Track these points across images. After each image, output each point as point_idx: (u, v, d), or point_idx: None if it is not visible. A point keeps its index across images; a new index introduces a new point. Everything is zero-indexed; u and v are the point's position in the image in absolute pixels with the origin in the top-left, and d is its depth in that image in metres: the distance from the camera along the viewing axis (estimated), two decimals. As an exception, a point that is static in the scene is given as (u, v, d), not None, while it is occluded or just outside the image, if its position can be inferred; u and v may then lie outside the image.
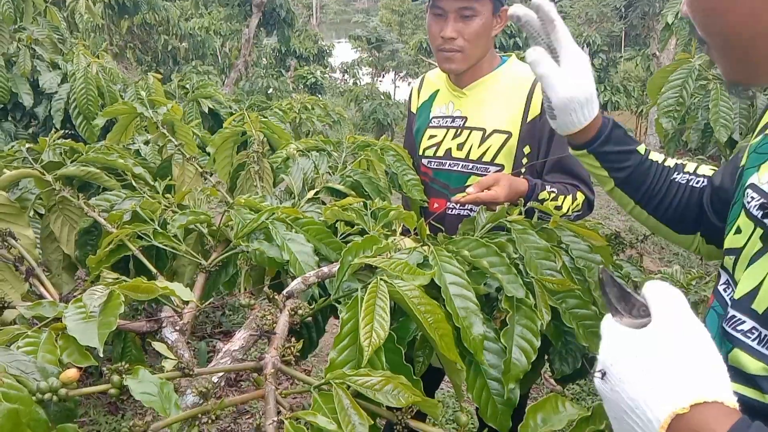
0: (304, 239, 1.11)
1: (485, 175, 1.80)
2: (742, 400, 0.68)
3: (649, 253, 5.12)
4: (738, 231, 0.84)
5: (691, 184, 1.11)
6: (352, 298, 0.86)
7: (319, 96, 12.26)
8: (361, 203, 1.31)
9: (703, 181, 1.10)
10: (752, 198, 0.81)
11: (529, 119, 1.82)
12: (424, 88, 2.02)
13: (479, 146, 1.86)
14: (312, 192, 1.50)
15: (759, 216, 0.79)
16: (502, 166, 1.85)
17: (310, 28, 19.91)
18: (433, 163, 1.92)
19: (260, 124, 1.84)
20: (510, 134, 1.84)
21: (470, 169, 1.87)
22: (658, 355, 0.61)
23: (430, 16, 1.82)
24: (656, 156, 1.13)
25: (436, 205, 1.90)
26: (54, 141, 1.56)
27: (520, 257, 1.16)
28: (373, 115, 10.72)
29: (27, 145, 1.55)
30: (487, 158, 1.85)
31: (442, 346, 0.84)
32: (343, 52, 19.96)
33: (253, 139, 1.74)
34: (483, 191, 1.62)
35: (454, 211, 1.87)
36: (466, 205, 1.83)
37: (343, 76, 17.78)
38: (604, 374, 0.64)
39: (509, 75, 1.89)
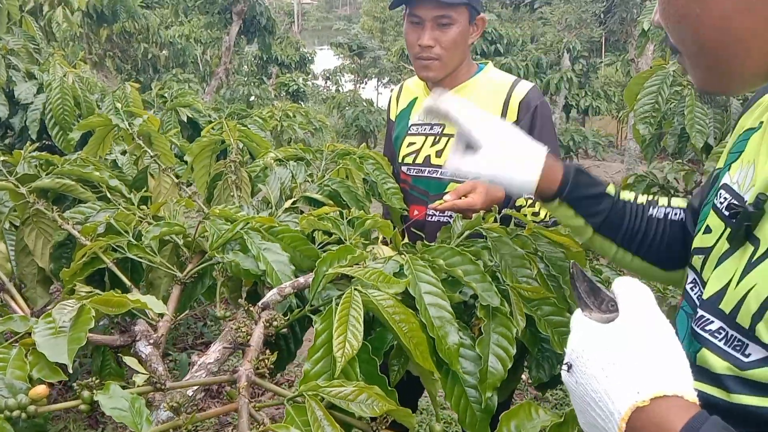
0: (280, 248, 1.10)
1: (464, 181, 1.77)
2: (708, 399, 0.72)
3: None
4: (708, 230, 0.84)
5: (669, 217, 1.09)
6: (327, 309, 0.86)
7: (302, 103, 12.24)
8: (338, 212, 1.30)
9: (680, 213, 1.08)
10: (725, 198, 0.81)
11: None
12: (403, 95, 2.03)
13: None
14: (289, 201, 1.50)
15: (727, 215, 0.79)
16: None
17: (292, 35, 19.90)
18: (412, 171, 1.93)
19: (239, 132, 1.83)
20: None
21: (448, 176, 1.86)
22: (622, 350, 0.63)
23: (407, 24, 1.83)
24: (627, 195, 1.11)
25: (416, 212, 1.91)
26: (29, 153, 1.54)
27: (496, 265, 1.17)
28: (355, 122, 10.72)
29: (1, 158, 1.53)
30: None
31: (417, 356, 0.84)
32: (325, 59, 19.97)
33: (231, 148, 1.73)
34: (460, 198, 1.63)
35: (434, 218, 1.87)
36: (445, 212, 1.83)
37: (326, 83, 17.78)
38: (570, 367, 0.66)
39: (486, 82, 1.91)
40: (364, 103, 11.37)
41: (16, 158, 1.53)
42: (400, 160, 1.97)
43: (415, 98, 1.99)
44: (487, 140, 1.07)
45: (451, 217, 1.83)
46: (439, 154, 1.88)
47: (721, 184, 0.84)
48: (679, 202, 1.10)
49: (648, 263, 1.10)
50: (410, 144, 1.94)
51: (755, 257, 0.71)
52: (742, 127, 0.87)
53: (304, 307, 0.97)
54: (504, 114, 1.84)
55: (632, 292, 0.68)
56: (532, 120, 1.83)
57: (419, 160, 1.92)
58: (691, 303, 0.84)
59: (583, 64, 11.17)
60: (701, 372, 0.75)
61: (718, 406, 0.72)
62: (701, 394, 0.66)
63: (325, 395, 0.73)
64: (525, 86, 1.87)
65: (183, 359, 3.28)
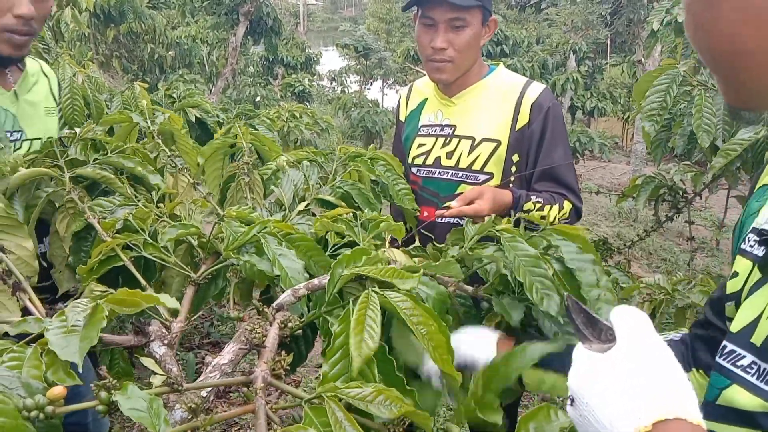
0: (295, 255, 1.10)
1: (475, 183, 1.85)
2: None
3: (637, 259, 5.15)
4: (735, 275, 0.83)
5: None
6: (345, 311, 0.85)
7: (307, 104, 12.25)
8: (351, 214, 1.30)
9: (675, 336, 1.04)
10: (755, 241, 0.80)
11: (518, 128, 1.82)
12: (413, 96, 2.04)
13: (469, 155, 1.86)
14: (303, 204, 1.50)
15: (753, 252, 0.78)
16: (492, 175, 1.85)
17: (298, 36, 19.92)
18: (422, 172, 1.93)
19: (251, 135, 1.84)
20: (499, 142, 1.84)
21: (460, 177, 1.87)
22: (622, 377, 0.62)
23: (419, 26, 1.82)
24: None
25: (425, 214, 1.89)
26: (84, 134, 1.56)
27: (509, 264, 1.17)
28: (361, 122, 10.72)
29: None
30: (476, 166, 1.85)
31: (435, 358, 0.84)
32: (330, 60, 19.98)
33: (243, 151, 1.73)
34: (467, 204, 1.65)
35: (444, 219, 1.85)
36: (450, 218, 1.83)
37: (331, 84, 17.80)
38: (572, 401, 0.66)
39: (497, 83, 1.90)
40: (370, 104, 11.37)
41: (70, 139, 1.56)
42: (410, 161, 1.96)
43: (425, 99, 1.98)
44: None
45: (461, 218, 1.79)
46: (449, 155, 1.88)
47: (749, 229, 0.83)
48: (673, 335, 1.05)
49: None
50: (420, 145, 1.94)
51: None
52: (762, 184, 0.88)
53: (317, 309, 0.96)
54: (516, 116, 1.83)
55: (628, 320, 0.67)
56: (544, 122, 1.82)
57: (429, 162, 1.92)
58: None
59: (589, 65, 11.16)
60: (728, 412, 0.73)
61: None
62: None
63: (344, 396, 0.72)
64: (537, 88, 1.86)
65: (190, 359, 3.28)
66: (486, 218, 1.34)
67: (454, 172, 1.89)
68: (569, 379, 0.68)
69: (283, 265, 1.07)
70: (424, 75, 2.00)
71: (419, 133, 1.96)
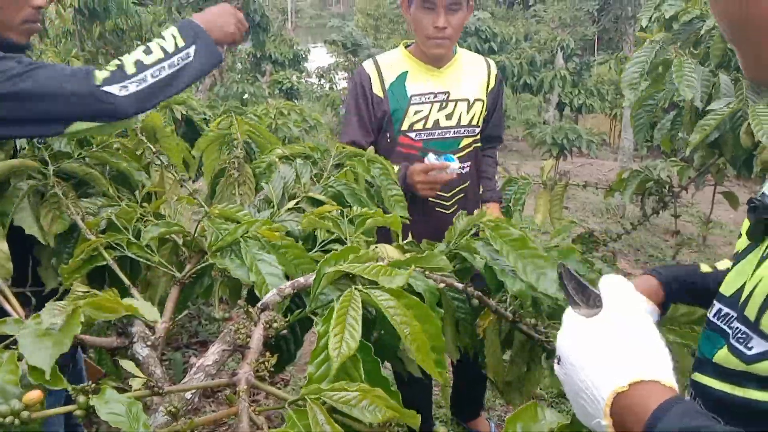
0: (276, 261, 1.09)
1: (473, 135, 2.28)
2: (724, 398, 0.74)
3: (624, 255, 5.17)
4: (740, 236, 0.86)
5: None
6: (328, 310, 0.84)
7: (296, 101, 12.19)
8: (339, 211, 1.29)
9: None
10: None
11: (489, 90, 2.31)
12: (385, 72, 2.21)
13: (468, 113, 2.24)
14: (293, 202, 1.48)
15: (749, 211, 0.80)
16: (480, 126, 2.30)
17: (286, 32, 19.85)
18: (423, 135, 2.21)
19: (248, 127, 1.82)
20: (483, 101, 2.29)
21: (462, 133, 2.25)
22: (604, 341, 0.69)
23: (419, 10, 2.09)
24: (724, 263, 1.06)
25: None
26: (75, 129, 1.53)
27: (494, 257, 1.16)
28: (349, 119, 10.69)
29: None
30: (473, 122, 2.26)
31: (418, 358, 0.83)
32: (319, 57, 19.88)
33: (236, 143, 1.71)
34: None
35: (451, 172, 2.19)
36: (463, 167, 2.20)
37: (320, 80, 17.72)
38: (559, 359, 0.72)
39: (467, 57, 2.34)
40: (359, 101, 11.33)
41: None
42: (405, 128, 2.19)
43: (405, 72, 2.21)
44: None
45: (463, 169, 2.21)
46: (449, 117, 2.21)
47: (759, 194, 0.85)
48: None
49: None
50: (417, 112, 2.19)
51: (767, 251, 0.72)
52: None
53: (304, 308, 0.95)
54: (488, 80, 2.31)
55: (615, 288, 0.74)
56: (500, 88, 2.39)
57: (429, 125, 2.20)
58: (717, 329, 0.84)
59: (577, 62, 11.19)
60: (717, 370, 0.76)
61: (735, 402, 0.73)
62: (718, 393, 0.73)
63: (328, 399, 0.71)
64: (492, 61, 2.40)
65: (177, 358, 3.25)
66: (475, 211, 1.34)
67: (456, 130, 2.24)
68: (558, 340, 0.73)
69: (262, 271, 1.06)
70: (376, 54, 2.37)
71: (412, 101, 2.18)
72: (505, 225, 1.16)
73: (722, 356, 0.77)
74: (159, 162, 1.58)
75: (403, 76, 2.20)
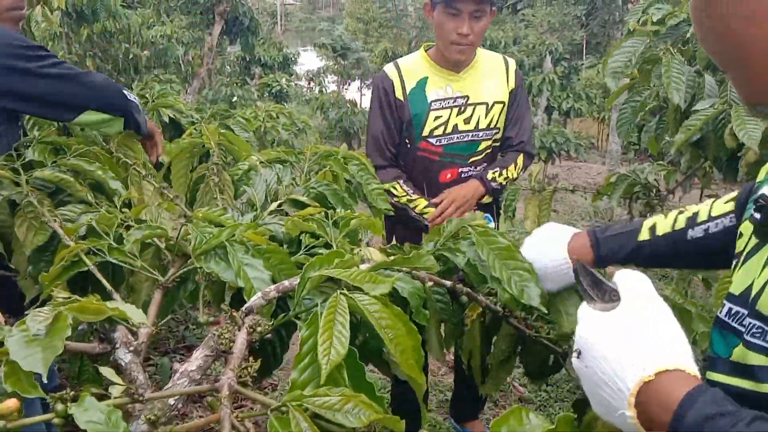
0: (262, 265, 1.08)
1: (490, 138, 2.31)
2: (739, 392, 0.76)
3: (613, 258, 5.18)
4: (740, 236, 0.89)
5: (710, 230, 1.08)
6: (312, 314, 0.83)
7: (285, 104, 12.16)
8: (323, 213, 1.28)
9: (721, 222, 1.07)
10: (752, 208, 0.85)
11: (509, 90, 2.32)
12: (406, 77, 2.25)
13: (486, 117, 2.27)
14: (275, 204, 1.47)
15: (754, 212, 0.82)
16: (499, 129, 2.33)
17: (275, 36, 19.81)
18: (443, 140, 2.25)
19: (219, 135, 1.81)
20: (504, 103, 2.31)
21: (480, 137, 2.28)
22: (626, 332, 0.70)
23: (443, 15, 2.12)
24: (665, 227, 1.12)
25: (449, 176, 2.29)
26: (42, 138, 1.53)
27: (483, 263, 1.17)
28: (339, 123, 10.68)
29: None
30: (492, 125, 2.29)
31: (402, 363, 0.83)
32: (308, 60, 19.88)
33: (212, 151, 1.70)
34: (446, 211, 2.16)
35: (468, 174, 2.29)
36: (478, 167, 2.30)
37: (309, 84, 17.70)
38: (579, 353, 0.73)
39: (486, 58, 2.34)
40: (348, 105, 11.33)
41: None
42: (426, 134, 2.24)
43: (425, 77, 2.25)
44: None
45: (477, 171, 2.30)
46: (467, 121, 2.25)
47: (759, 194, 0.87)
48: (721, 207, 1.08)
49: (713, 269, 1.13)
50: (437, 118, 2.23)
51: None
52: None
53: (288, 312, 0.94)
54: (507, 80, 2.31)
55: (631, 281, 0.75)
56: (521, 86, 2.37)
57: (448, 130, 2.24)
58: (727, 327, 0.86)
59: (565, 66, 11.23)
60: (736, 367, 0.78)
61: (748, 396, 0.75)
62: (733, 389, 0.75)
63: (310, 405, 0.70)
64: (512, 60, 2.40)
65: (164, 363, 3.23)
66: (467, 213, 1.34)
67: (474, 133, 2.27)
68: (576, 333, 0.74)
69: (249, 275, 1.05)
70: (396, 59, 2.35)
71: (432, 108, 2.23)
72: (494, 233, 1.16)
73: (739, 353, 0.78)
74: (138, 171, 1.57)
75: (423, 82, 2.24)
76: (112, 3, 8.66)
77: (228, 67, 13.08)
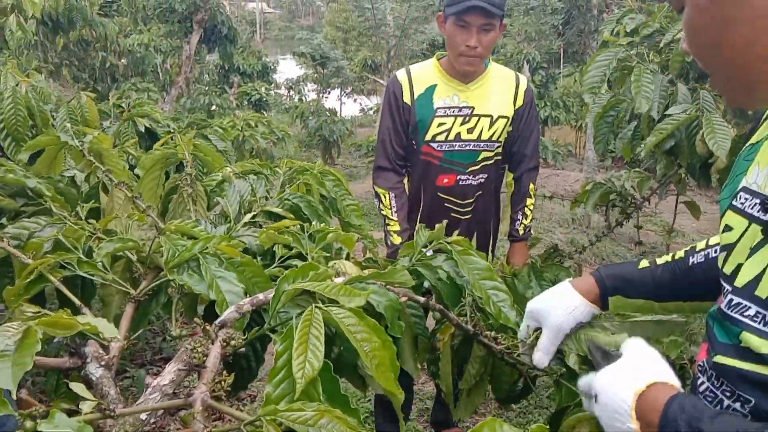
0: (236, 278, 1.07)
1: (491, 150, 2.38)
2: (753, 377, 0.85)
3: (591, 264, 5.23)
4: (728, 229, 0.92)
5: (711, 257, 1.11)
6: (287, 328, 0.83)
7: (264, 113, 12.12)
8: (298, 226, 1.27)
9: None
10: (745, 199, 0.90)
11: (516, 107, 2.37)
12: (416, 83, 2.34)
13: (489, 129, 2.33)
14: (249, 215, 1.46)
15: (760, 215, 0.86)
16: (501, 143, 2.38)
17: (254, 44, 19.75)
18: (444, 146, 2.33)
19: (192, 146, 1.80)
20: (508, 118, 2.36)
21: (481, 147, 2.35)
22: (625, 369, 0.88)
23: (453, 27, 2.19)
24: (664, 258, 1.16)
25: (446, 180, 2.37)
26: None
27: (466, 280, 1.18)
28: (318, 131, 10.66)
29: None
30: (494, 138, 2.34)
31: (378, 376, 0.82)
32: (288, 69, 19.85)
33: (186, 162, 1.69)
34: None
35: (466, 182, 2.37)
36: (476, 176, 2.37)
37: (289, 92, 17.67)
38: (596, 397, 0.89)
39: (497, 73, 2.40)
40: (327, 113, 11.32)
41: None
42: (428, 139, 2.32)
43: (434, 85, 2.33)
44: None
45: (475, 179, 2.38)
46: (470, 131, 2.32)
47: (739, 187, 0.92)
48: (718, 237, 1.09)
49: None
50: (441, 124, 2.31)
51: None
52: (750, 143, 0.96)
53: (262, 326, 0.93)
54: (515, 97, 2.36)
55: (630, 342, 0.94)
56: (531, 105, 2.41)
57: (451, 137, 2.32)
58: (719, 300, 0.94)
59: (543, 75, 11.34)
60: (746, 352, 0.85)
61: (764, 382, 0.82)
62: (747, 373, 0.85)
63: (284, 420, 0.70)
64: (524, 78, 2.42)
65: (141, 375, 3.18)
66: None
67: (475, 143, 2.33)
68: (594, 380, 0.90)
69: (222, 288, 1.04)
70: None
71: (437, 114, 2.31)
72: (472, 252, 1.18)
73: (745, 340, 0.84)
74: (109, 180, 1.55)
75: (431, 89, 2.32)
76: (88, 11, 8.57)
77: (206, 76, 13.02)
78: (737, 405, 0.87)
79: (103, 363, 0.98)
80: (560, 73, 13.04)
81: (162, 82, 11.07)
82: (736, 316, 0.87)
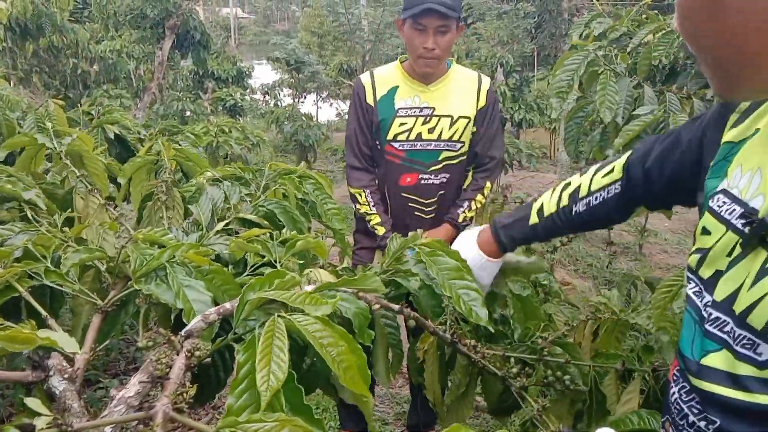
0: (204, 287, 1.06)
1: (454, 150, 2.42)
2: (727, 402, 0.81)
3: (564, 265, 5.28)
4: (706, 232, 0.90)
5: (593, 204, 1.20)
6: (249, 339, 0.82)
7: (239, 118, 12.04)
8: (268, 234, 1.27)
9: (606, 194, 1.18)
10: (723, 203, 0.87)
11: (479, 107, 2.42)
12: (378, 85, 2.41)
13: (450, 129, 2.38)
14: (222, 223, 1.45)
15: (739, 225, 0.84)
16: (464, 143, 2.42)
17: (229, 49, 19.62)
18: (405, 146, 2.39)
19: (174, 151, 1.78)
20: (470, 119, 2.40)
21: (442, 147, 2.40)
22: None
23: (411, 30, 2.25)
24: (550, 207, 1.27)
25: (408, 180, 2.42)
26: None
27: (435, 281, 1.18)
28: (294, 136, 10.61)
29: None
30: (455, 138, 2.39)
31: (345, 380, 0.82)
32: (264, 74, 19.74)
33: (165, 168, 1.67)
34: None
35: (428, 181, 2.42)
36: (438, 176, 2.41)
37: (264, 97, 17.57)
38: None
39: (459, 74, 2.45)
40: (303, 118, 11.28)
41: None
42: (390, 138, 2.38)
43: (396, 86, 2.40)
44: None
45: (437, 179, 2.42)
46: (431, 131, 2.37)
47: (718, 189, 0.90)
48: (602, 179, 1.20)
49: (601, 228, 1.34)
50: (402, 124, 2.37)
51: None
52: (725, 141, 0.94)
53: (226, 336, 0.93)
54: (478, 98, 2.42)
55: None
56: (493, 105, 2.47)
57: (412, 137, 2.37)
58: (695, 306, 0.91)
59: (517, 78, 11.41)
60: (716, 374, 0.82)
61: (734, 405, 0.80)
62: (715, 397, 0.81)
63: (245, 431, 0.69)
64: (486, 79, 2.50)
65: (114, 386, 3.14)
66: (410, 234, 1.34)
67: (436, 143, 2.39)
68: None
69: (189, 297, 1.03)
70: (374, 68, 2.50)
71: (398, 114, 2.36)
72: (441, 253, 1.18)
73: (720, 360, 0.83)
74: (85, 186, 1.53)
75: (393, 90, 2.40)
76: (58, 17, 8.45)
77: (181, 82, 12.90)
78: (702, 424, 0.86)
79: (66, 376, 0.96)
80: (534, 76, 13.15)
81: (135, 88, 10.95)
82: (716, 331, 0.85)
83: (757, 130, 0.87)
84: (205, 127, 5.00)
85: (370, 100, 2.41)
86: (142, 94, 10.30)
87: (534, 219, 1.29)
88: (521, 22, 11.66)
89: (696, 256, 0.92)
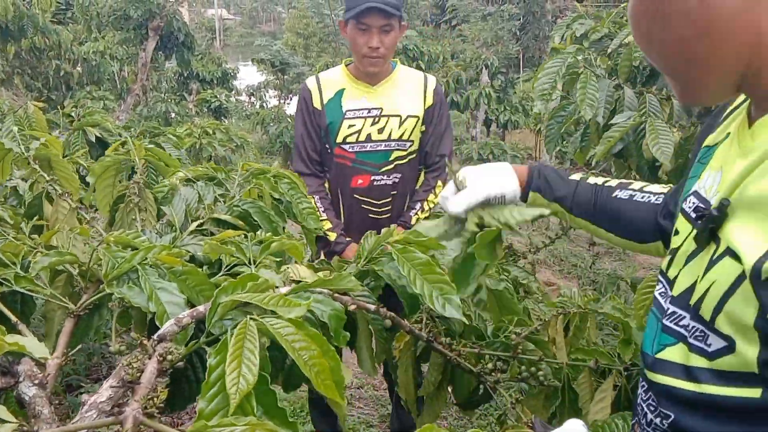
0: (177, 289, 1.04)
1: (404, 149, 2.44)
2: (678, 393, 0.82)
3: (549, 265, 5.30)
4: (676, 233, 0.92)
5: (635, 198, 1.18)
6: (221, 342, 0.81)
7: (224, 120, 11.98)
8: (242, 235, 1.26)
9: (649, 197, 1.17)
10: (692, 203, 0.89)
11: (426, 107, 2.43)
12: (324, 89, 2.40)
13: (399, 128, 2.39)
14: (195, 224, 1.43)
15: (693, 217, 0.87)
16: (413, 141, 2.43)
17: (214, 51, 19.52)
18: (355, 147, 2.38)
19: (146, 151, 1.76)
20: (418, 118, 2.42)
21: (393, 147, 2.40)
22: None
23: (354, 31, 2.26)
24: (596, 179, 1.24)
25: (360, 181, 2.41)
26: None
27: (405, 279, 1.16)
28: (279, 138, 10.59)
29: None
30: (404, 137, 2.40)
31: (318, 384, 0.81)
32: (249, 75, 19.67)
33: (136, 168, 1.65)
34: None
35: (380, 182, 2.42)
36: (390, 176, 2.41)
37: (250, 99, 17.50)
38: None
39: (405, 74, 2.47)
40: (288, 119, 11.25)
41: None
42: (339, 141, 2.38)
43: (342, 89, 2.40)
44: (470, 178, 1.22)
45: (396, 179, 2.43)
46: (381, 131, 2.38)
47: (691, 191, 0.92)
48: (654, 188, 1.18)
49: (622, 239, 1.21)
50: (351, 126, 2.36)
51: (716, 255, 0.78)
52: (705, 145, 0.96)
53: (199, 339, 0.92)
54: (425, 97, 2.43)
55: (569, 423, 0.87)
56: (441, 104, 2.47)
57: (362, 138, 2.37)
58: (659, 306, 0.92)
59: (502, 79, 11.46)
60: (670, 367, 0.83)
61: (686, 397, 0.81)
62: (668, 389, 0.82)
63: (214, 436, 0.68)
64: (432, 78, 2.51)
65: (95, 391, 3.10)
66: (383, 230, 1.34)
67: (387, 143, 2.39)
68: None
69: (162, 299, 1.01)
70: (320, 72, 2.52)
71: (346, 116, 2.36)
72: (413, 248, 1.16)
73: (676, 354, 0.84)
74: (55, 190, 1.51)
75: (340, 93, 2.39)
76: (40, 19, 8.37)
77: (165, 83, 12.82)
78: (657, 420, 0.87)
79: (36, 382, 0.95)
80: (519, 77, 13.22)
81: (119, 90, 10.88)
82: (672, 325, 0.86)
83: (728, 134, 0.89)
84: (188, 128, 4.97)
85: (317, 104, 2.40)
86: (126, 96, 10.23)
87: (575, 176, 1.25)
88: (506, 24, 11.72)
89: (667, 258, 0.93)
